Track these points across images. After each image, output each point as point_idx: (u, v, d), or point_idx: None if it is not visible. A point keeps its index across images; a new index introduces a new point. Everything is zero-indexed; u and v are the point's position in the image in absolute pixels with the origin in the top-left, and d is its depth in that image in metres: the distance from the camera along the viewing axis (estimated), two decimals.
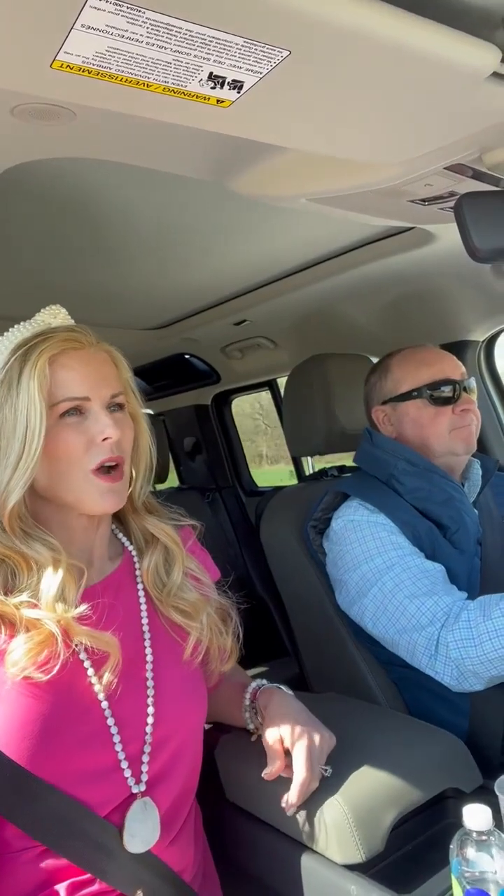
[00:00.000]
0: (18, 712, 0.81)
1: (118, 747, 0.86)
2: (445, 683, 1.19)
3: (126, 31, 0.56)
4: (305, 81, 0.66)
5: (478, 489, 1.47)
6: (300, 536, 1.47)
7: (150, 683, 0.91)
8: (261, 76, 0.64)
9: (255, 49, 0.59)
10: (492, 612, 1.13)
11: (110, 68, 0.61)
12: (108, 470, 0.90)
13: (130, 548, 1.02)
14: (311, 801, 0.93)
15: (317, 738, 0.95)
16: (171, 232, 1.47)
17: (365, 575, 1.28)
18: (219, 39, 0.58)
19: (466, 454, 1.44)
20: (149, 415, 1.01)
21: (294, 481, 2.89)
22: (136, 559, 1.01)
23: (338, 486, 1.44)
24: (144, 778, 0.87)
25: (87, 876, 0.83)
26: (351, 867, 0.88)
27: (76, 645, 0.85)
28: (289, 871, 0.94)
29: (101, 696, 0.86)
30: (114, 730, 0.86)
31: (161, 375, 2.84)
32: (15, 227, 1.36)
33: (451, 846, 0.73)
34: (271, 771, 0.94)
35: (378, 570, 1.26)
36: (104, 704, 0.86)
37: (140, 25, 0.55)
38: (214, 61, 0.61)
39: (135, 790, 0.86)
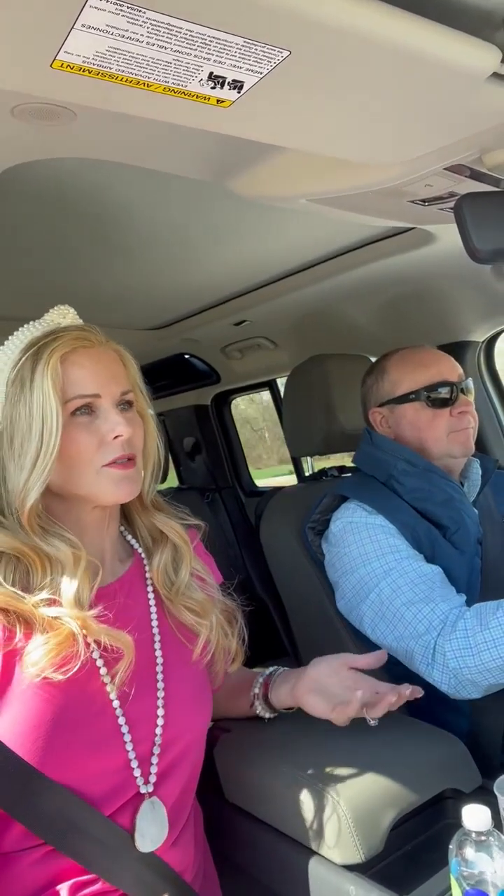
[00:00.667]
0: (33, 712, 0.80)
1: (129, 747, 0.86)
2: (443, 690, 1.18)
3: (126, 30, 0.56)
4: (305, 81, 0.66)
5: (477, 489, 1.47)
6: (300, 537, 1.47)
7: (160, 685, 0.92)
8: (261, 76, 0.64)
9: (256, 49, 0.60)
10: (489, 622, 1.12)
11: (111, 68, 0.61)
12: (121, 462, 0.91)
13: (140, 550, 1.02)
14: (311, 802, 0.93)
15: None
16: (171, 232, 1.47)
17: (362, 579, 1.27)
18: (219, 39, 0.58)
19: (464, 457, 1.44)
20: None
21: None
22: (145, 561, 1.01)
23: (336, 488, 1.44)
24: (153, 779, 0.88)
25: (90, 876, 0.83)
26: (350, 867, 0.88)
27: (92, 645, 0.84)
28: (288, 872, 0.94)
29: (112, 696, 0.86)
30: (125, 729, 0.86)
31: (161, 375, 2.83)
32: (14, 228, 1.36)
33: (451, 846, 0.73)
34: (355, 707, 0.94)
35: (375, 575, 1.26)
36: (115, 704, 0.86)
37: (140, 25, 0.55)
38: (214, 61, 0.61)
39: (143, 790, 0.87)
